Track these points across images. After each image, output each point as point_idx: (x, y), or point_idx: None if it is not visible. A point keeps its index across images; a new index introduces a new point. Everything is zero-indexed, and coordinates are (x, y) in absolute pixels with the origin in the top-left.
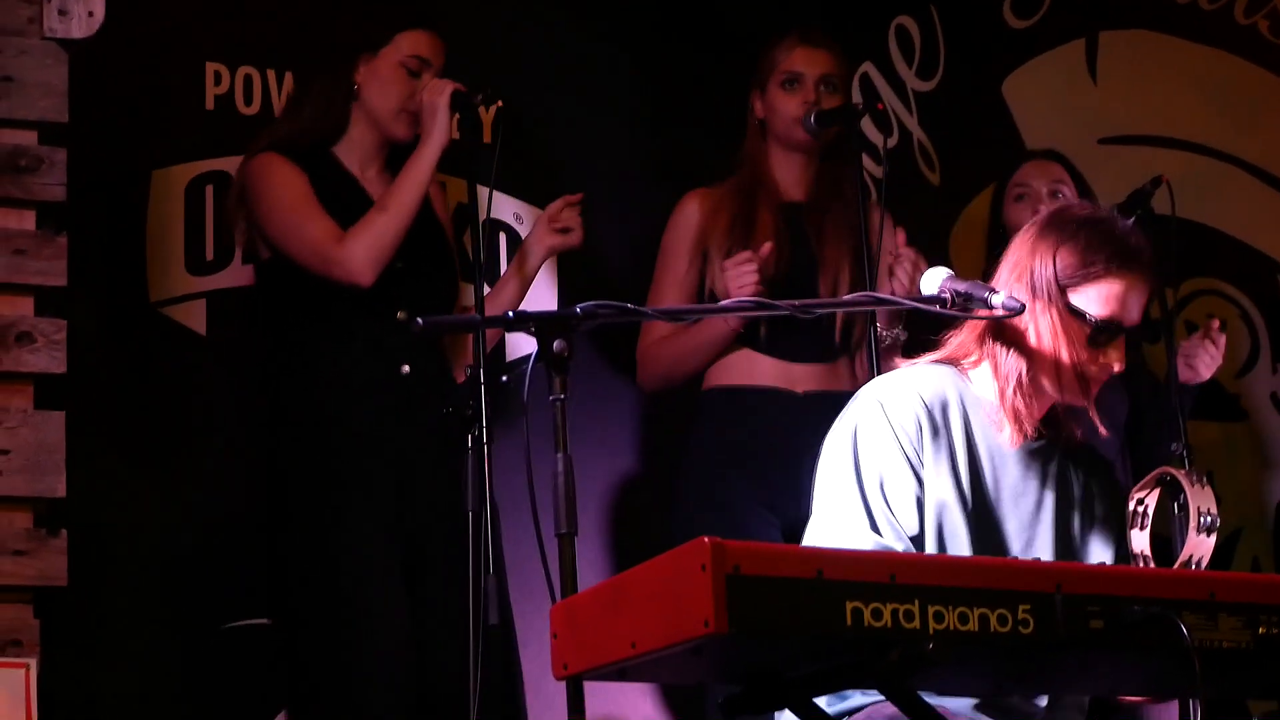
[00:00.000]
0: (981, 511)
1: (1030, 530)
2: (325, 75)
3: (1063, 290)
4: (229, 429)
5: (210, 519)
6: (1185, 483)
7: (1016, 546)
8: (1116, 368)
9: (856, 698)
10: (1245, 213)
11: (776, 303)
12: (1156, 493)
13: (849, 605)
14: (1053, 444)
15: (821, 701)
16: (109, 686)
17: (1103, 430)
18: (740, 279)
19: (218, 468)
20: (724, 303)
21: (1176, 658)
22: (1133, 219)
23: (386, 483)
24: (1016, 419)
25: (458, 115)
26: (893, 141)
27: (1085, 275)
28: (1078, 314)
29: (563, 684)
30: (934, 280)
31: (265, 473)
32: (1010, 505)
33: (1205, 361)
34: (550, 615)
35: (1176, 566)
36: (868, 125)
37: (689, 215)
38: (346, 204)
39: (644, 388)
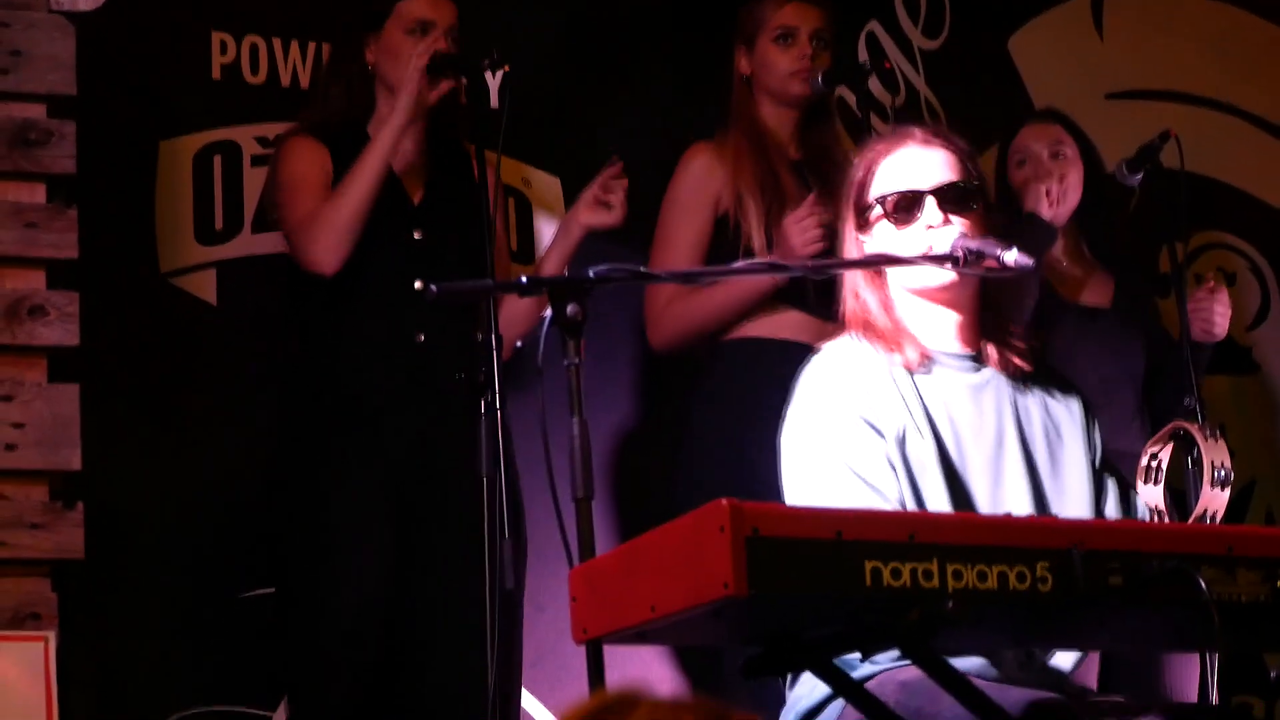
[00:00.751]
0: (945, 452)
1: (996, 464)
2: (339, 61)
3: (860, 200)
4: (242, 398)
5: (225, 489)
6: (1199, 436)
7: (985, 482)
8: (937, 224)
9: (864, 668)
10: (1253, 166)
11: (789, 263)
12: (1170, 447)
13: (868, 565)
14: (999, 374)
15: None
16: (127, 659)
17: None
18: (806, 233)
19: (232, 437)
20: (736, 264)
21: (1195, 612)
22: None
23: (392, 450)
24: (904, 344)
25: (454, 81)
26: (899, 100)
27: (867, 169)
28: (873, 208)
29: (580, 648)
30: (946, 238)
31: (275, 441)
32: (972, 441)
33: (1219, 317)
34: (569, 579)
35: (1191, 521)
36: (874, 84)
37: (702, 168)
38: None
39: (656, 348)
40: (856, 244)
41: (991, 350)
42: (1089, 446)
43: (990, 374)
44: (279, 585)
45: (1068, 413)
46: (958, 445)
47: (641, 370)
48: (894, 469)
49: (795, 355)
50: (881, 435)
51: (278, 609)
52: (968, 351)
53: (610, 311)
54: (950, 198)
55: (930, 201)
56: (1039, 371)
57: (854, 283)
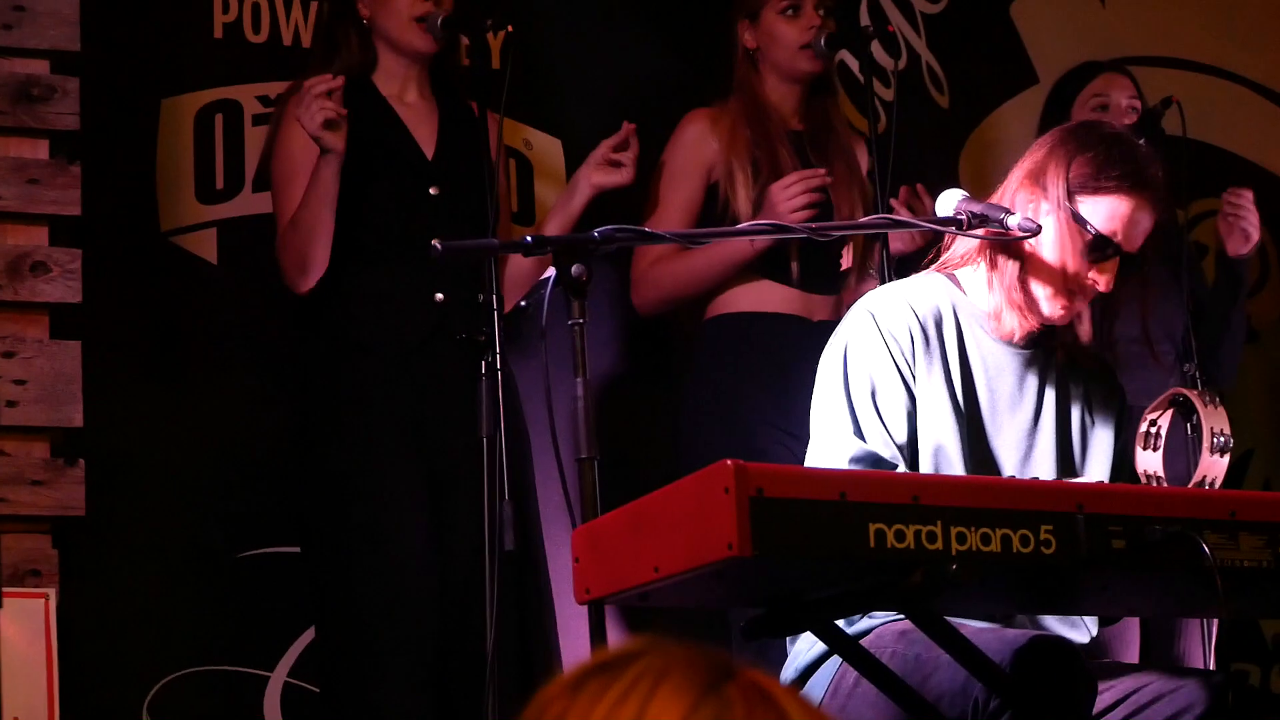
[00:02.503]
0: (976, 421)
1: (1029, 440)
2: (338, 17)
3: (1071, 196)
4: (243, 357)
5: (226, 447)
6: (1198, 403)
7: (1014, 457)
8: (1102, 287)
9: (863, 621)
10: (1254, 133)
11: (793, 226)
12: (1169, 413)
13: (872, 527)
14: (1050, 353)
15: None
16: (128, 616)
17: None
18: (791, 200)
19: (232, 396)
20: (740, 225)
21: (1198, 577)
22: (1135, 137)
23: (413, 409)
24: (1013, 318)
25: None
26: (901, 65)
27: (1097, 187)
28: (1080, 221)
29: (571, 607)
30: (949, 202)
31: (284, 399)
32: (1007, 414)
33: (1250, 225)
34: (572, 540)
35: (1190, 487)
36: (876, 50)
37: (697, 135)
38: (380, 134)
39: (641, 310)
40: (1067, 220)
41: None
42: (1117, 428)
43: (1041, 353)
44: (307, 545)
45: (1105, 399)
46: (993, 413)
47: (634, 335)
48: (914, 420)
49: (782, 328)
50: (910, 389)
51: (306, 568)
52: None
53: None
54: (1133, 260)
55: (1117, 260)
56: (1087, 353)
57: (1054, 242)
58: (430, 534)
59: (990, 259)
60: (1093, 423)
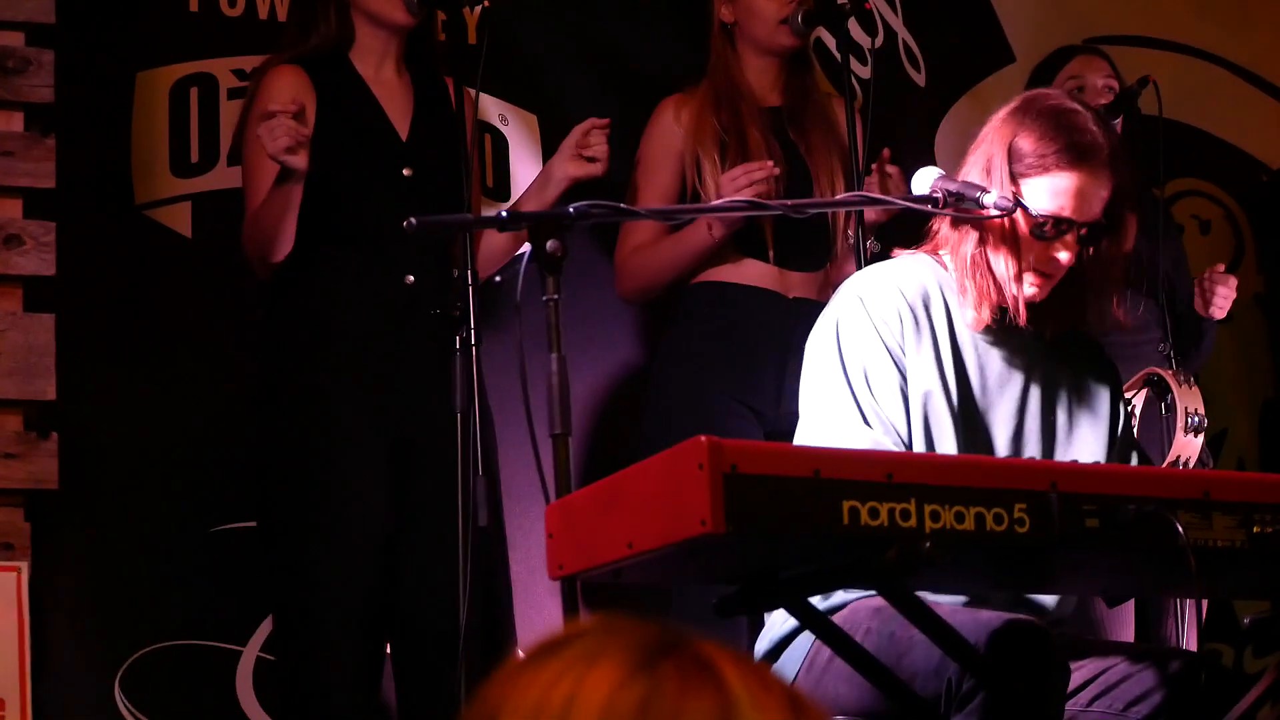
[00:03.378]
0: (966, 400)
1: (1018, 418)
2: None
3: (1015, 179)
4: (216, 331)
5: (199, 421)
6: (1173, 383)
7: (1004, 435)
8: (1065, 262)
9: (838, 595)
10: (1231, 114)
11: (769, 203)
12: (1144, 393)
13: (846, 505)
14: (1040, 332)
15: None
16: (100, 590)
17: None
18: (736, 193)
19: (206, 370)
20: (718, 201)
21: (1171, 557)
22: (1111, 116)
23: (380, 387)
24: (974, 303)
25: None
26: (878, 42)
27: (1035, 167)
28: (1024, 206)
29: (550, 585)
30: (925, 180)
31: (255, 374)
32: (996, 393)
33: (1222, 299)
34: (545, 515)
35: (1165, 466)
36: (853, 27)
37: (667, 124)
38: (355, 115)
39: (623, 297)
40: (1011, 183)
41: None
42: (1112, 420)
43: (1028, 332)
44: (263, 521)
45: (1096, 383)
46: (983, 391)
47: (619, 312)
48: (908, 403)
49: (756, 301)
50: (901, 369)
51: (261, 544)
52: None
53: (591, 249)
54: (1090, 236)
55: (1072, 236)
56: (1077, 340)
57: (1004, 226)
58: (390, 512)
59: (953, 239)
60: (1079, 402)
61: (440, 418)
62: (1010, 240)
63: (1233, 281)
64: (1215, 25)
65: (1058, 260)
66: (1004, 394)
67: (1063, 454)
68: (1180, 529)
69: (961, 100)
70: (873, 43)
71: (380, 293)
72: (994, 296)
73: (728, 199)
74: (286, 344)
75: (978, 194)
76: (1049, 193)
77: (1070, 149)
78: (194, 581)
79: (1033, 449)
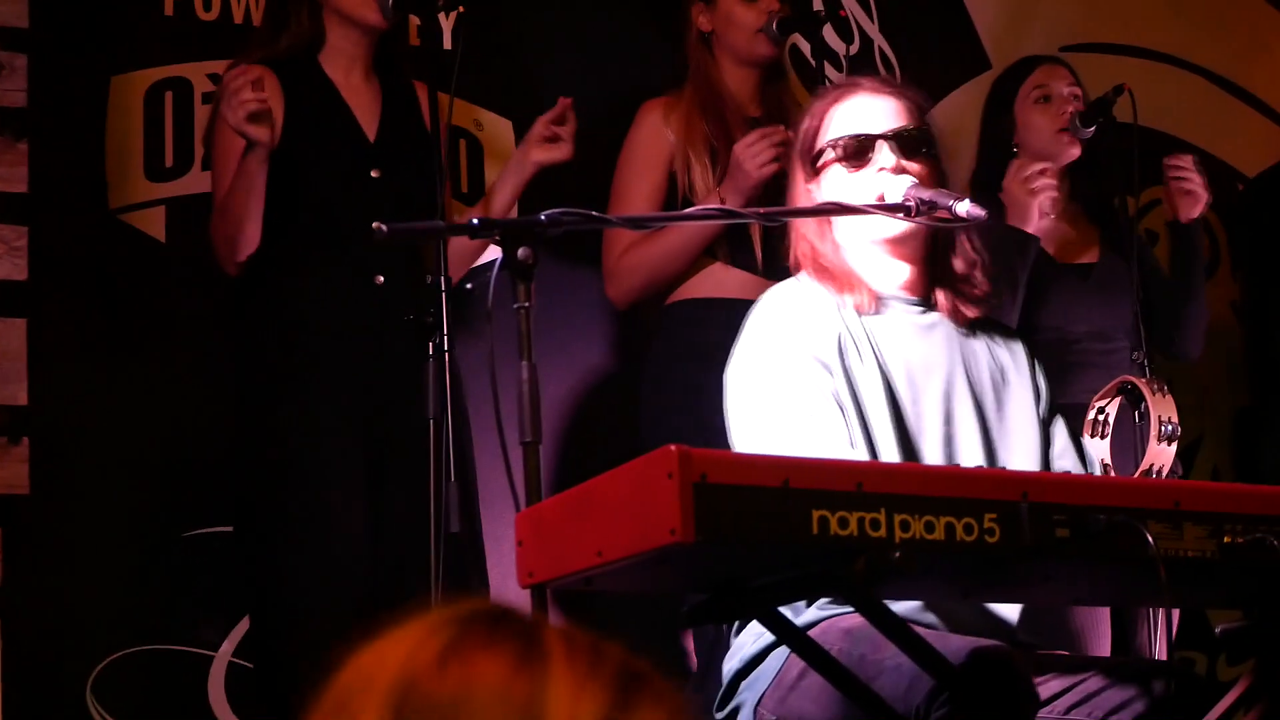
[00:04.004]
0: (895, 391)
1: (947, 403)
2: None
3: (810, 148)
4: (189, 336)
5: (171, 426)
6: (1146, 391)
7: (938, 419)
8: (890, 167)
9: (809, 612)
10: (1206, 121)
11: (743, 211)
12: (1118, 400)
13: (815, 514)
14: (947, 319)
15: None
16: (72, 594)
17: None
18: (757, 156)
19: (178, 375)
20: (689, 210)
21: (1142, 567)
22: (1085, 124)
23: (353, 391)
24: (847, 287)
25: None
26: (854, 49)
27: (819, 117)
28: (825, 153)
29: (515, 591)
30: (899, 188)
31: (230, 379)
32: (923, 379)
33: (1196, 186)
34: (515, 523)
35: (1137, 475)
36: (828, 33)
37: (656, 127)
38: (323, 117)
39: (617, 303)
40: (806, 193)
41: (941, 297)
42: (1035, 392)
43: (938, 318)
44: (240, 524)
45: (1011, 357)
46: (910, 384)
47: (594, 320)
48: (842, 408)
49: (740, 313)
50: (830, 373)
51: (238, 547)
52: (916, 297)
53: (566, 259)
54: (903, 142)
55: (883, 145)
56: (985, 319)
57: (804, 228)
58: (367, 516)
59: (807, 245)
60: (1004, 381)
61: (415, 420)
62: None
63: (1190, 159)
64: (1191, 32)
65: (899, 176)
66: (929, 383)
67: (998, 433)
68: (1150, 539)
69: (937, 107)
70: (848, 49)
71: (350, 293)
72: (856, 288)
73: (699, 208)
74: (259, 346)
75: (950, 202)
76: (841, 123)
77: (837, 85)
78: (166, 586)
79: (968, 433)
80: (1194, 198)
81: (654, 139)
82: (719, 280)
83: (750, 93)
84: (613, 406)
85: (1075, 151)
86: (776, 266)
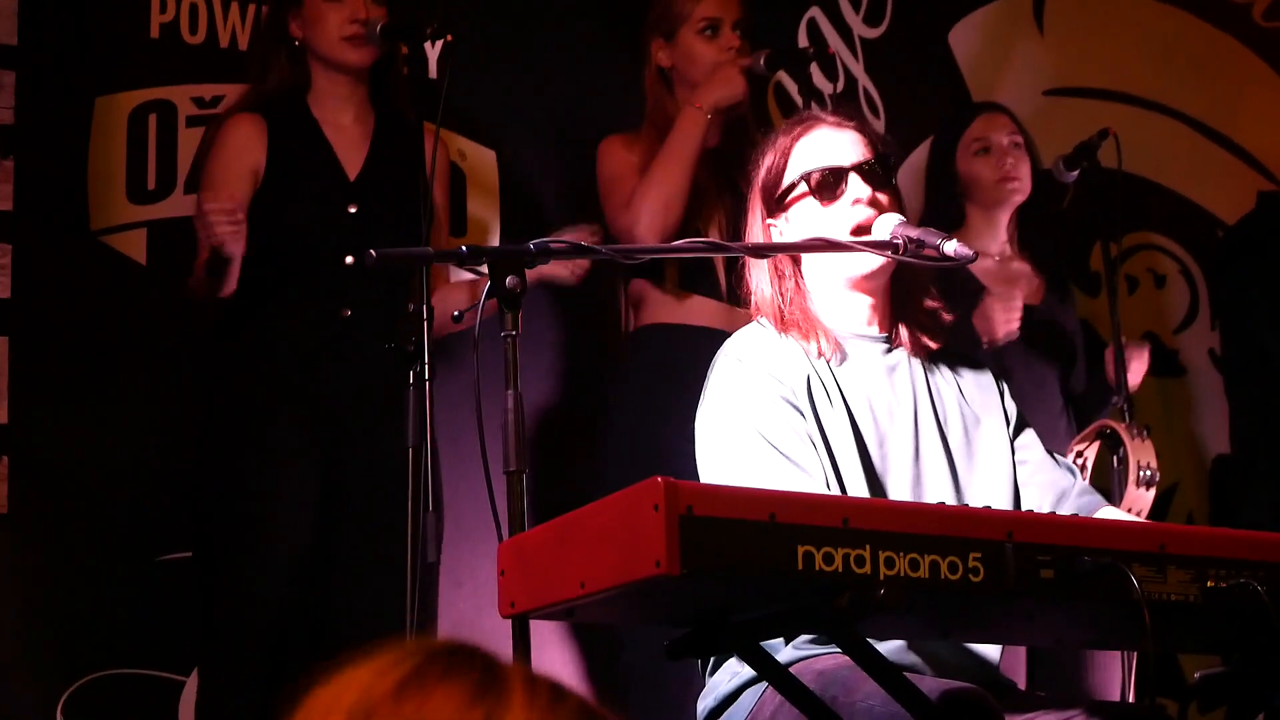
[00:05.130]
0: (861, 433)
1: (914, 441)
2: (272, 33)
3: (774, 184)
4: (170, 358)
5: (150, 448)
6: (1125, 436)
7: (906, 458)
8: (867, 204)
9: (786, 652)
10: (1188, 168)
11: (730, 244)
12: (1096, 445)
13: (800, 549)
14: (910, 355)
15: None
16: (46, 615)
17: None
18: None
19: (158, 397)
20: (677, 243)
21: (1125, 609)
22: (1069, 168)
23: (319, 422)
24: (808, 334)
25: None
26: (839, 87)
27: (781, 154)
28: (794, 189)
29: (497, 623)
30: (886, 226)
31: (201, 404)
32: (888, 420)
33: (1135, 375)
34: (498, 553)
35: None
36: (814, 72)
37: (620, 155)
38: (304, 156)
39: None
40: (765, 230)
41: (903, 331)
42: (1004, 417)
43: (902, 355)
44: (198, 549)
45: (979, 389)
46: (875, 423)
47: (559, 349)
48: (814, 448)
49: (706, 340)
50: (801, 414)
51: (196, 573)
52: (880, 333)
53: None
54: (872, 173)
55: (854, 178)
56: (948, 350)
57: (760, 275)
58: (320, 546)
59: (762, 295)
60: (974, 415)
61: (377, 451)
62: (811, 237)
63: (1143, 356)
64: (1173, 78)
65: (864, 210)
66: (896, 423)
67: (964, 470)
68: (1135, 582)
69: (920, 148)
70: (834, 88)
71: (317, 325)
72: (819, 334)
73: (686, 240)
74: (227, 375)
75: (938, 241)
76: (804, 159)
77: (798, 120)
78: (140, 610)
79: (936, 471)
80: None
81: (619, 168)
82: (686, 308)
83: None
84: (566, 434)
85: (1019, 196)
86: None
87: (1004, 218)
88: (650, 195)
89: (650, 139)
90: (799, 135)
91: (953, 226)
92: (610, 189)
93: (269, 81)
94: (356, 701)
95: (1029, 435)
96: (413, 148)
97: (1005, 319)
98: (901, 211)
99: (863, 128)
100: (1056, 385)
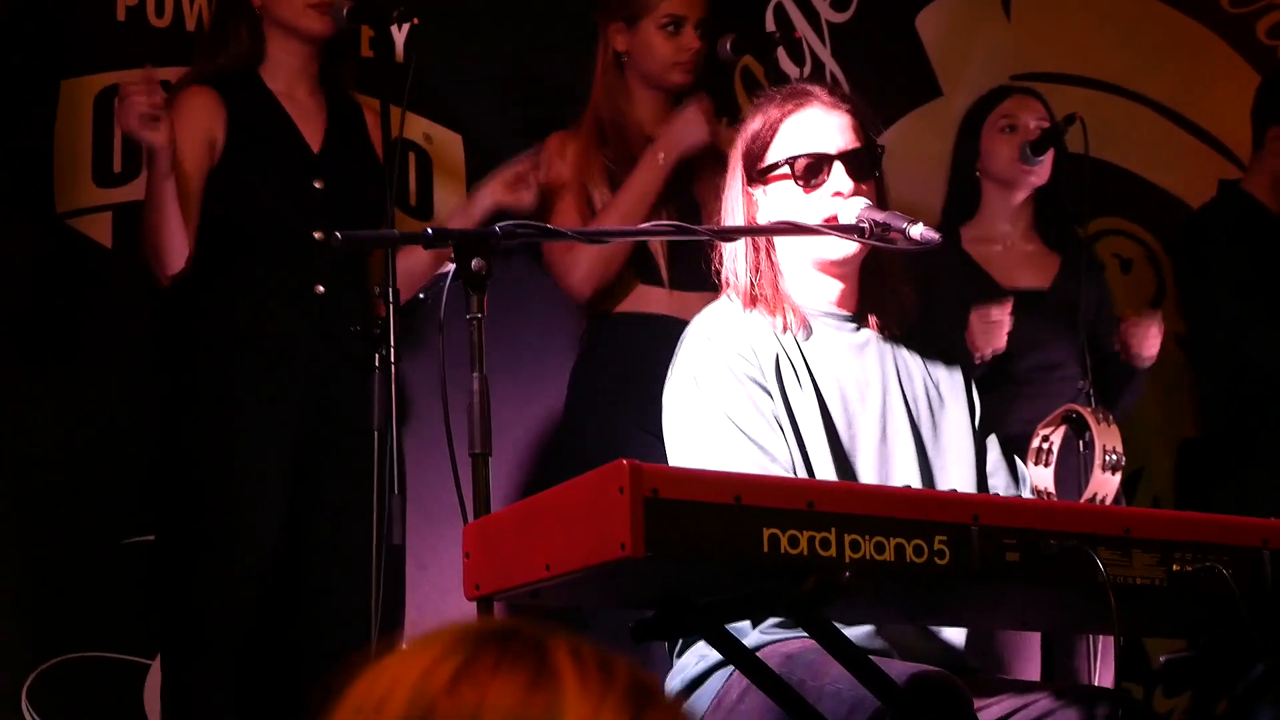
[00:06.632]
0: (828, 410)
1: (883, 420)
2: (223, 10)
3: (758, 156)
4: (134, 342)
5: (113, 431)
6: (1091, 420)
7: (874, 437)
8: (847, 193)
9: (752, 636)
10: (1155, 153)
11: (696, 228)
12: (1062, 430)
13: (766, 532)
14: (879, 336)
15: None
16: (8, 599)
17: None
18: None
19: (122, 381)
20: (644, 225)
21: (1091, 593)
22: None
23: (288, 401)
24: (776, 310)
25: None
26: (806, 72)
27: (769, 126)
28: (776, 168)
29: (461, 604)
30: (852, 210)
31: (161, 384)
32: (857, 398)
33: (1150, 344)
34: (463, 535)
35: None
36: (781, 56)
37: (552, 160)
38: (265, 127)
39: (580, 295)
40: (745, 196)
41: (872, 318)
42: (970, 408)
43: (870, 335)
44: (162, 533)
45: (948, 374)
46: (843, 403)
47: (527, 336)
48: (781, 428)
49: (658, 328)
50: (769, 394)
51: (158, 555)
52: (848, 313)
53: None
54: (856, 164)
55: (839, 167)
56: (917, 335)
57: (733, 250)
58: (287, 528)
59: (733, 270)
60: (940, 397)
61: (346, 432)
62: (786, 217)
63: (1155, 324)
64: (1140, 63)
65: (839, 202)
66: (864, 401)
67: (933, 450)
68: (1100, 565)
69: (887, 132)
70: (800, 73)
71: (289, 302)
72: (787, 310)
73: (653, 223)
74: (193, 353)
75: (904, 224)
76: (792, 141)
77: (787, 95)
78: (103, 593)
79: (904, 450)
80: (1147, 358)
81: (552, 172)
82: (638, 298)
83: (654, 114)
84: (531, 417)
85: (1035, 180)
86: (685, 282)
87: (1018, 199)
88: (590, 261)
89: (592, 130)
90: (790, 111)
91: (972, 207)
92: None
93: (221, 54)
94: (412, 698)
95: (993, 440)
96: (363, 129)
97: (983, 329)
98: (884, 202)
99: (855, 110)
100: (1072, 369)
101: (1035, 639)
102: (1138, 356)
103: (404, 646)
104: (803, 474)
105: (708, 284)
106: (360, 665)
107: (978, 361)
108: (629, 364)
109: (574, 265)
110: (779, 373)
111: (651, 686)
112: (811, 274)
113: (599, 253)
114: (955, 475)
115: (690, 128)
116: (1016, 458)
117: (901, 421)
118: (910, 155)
